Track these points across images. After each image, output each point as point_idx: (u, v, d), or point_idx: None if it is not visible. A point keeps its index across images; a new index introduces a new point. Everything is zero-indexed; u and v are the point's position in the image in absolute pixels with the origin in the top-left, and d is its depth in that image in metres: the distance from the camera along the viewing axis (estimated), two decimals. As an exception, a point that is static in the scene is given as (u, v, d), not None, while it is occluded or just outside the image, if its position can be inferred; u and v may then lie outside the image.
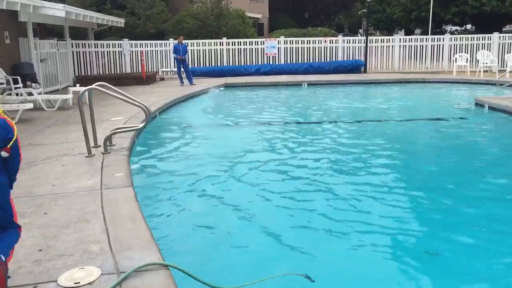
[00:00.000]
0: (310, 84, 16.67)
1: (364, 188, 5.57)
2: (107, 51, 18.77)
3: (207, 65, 19.71)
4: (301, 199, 5.26)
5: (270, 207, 5.05)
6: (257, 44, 20.01)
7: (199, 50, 19.69)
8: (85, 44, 18.35)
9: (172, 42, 18.76)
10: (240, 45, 19.94)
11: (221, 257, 3.92)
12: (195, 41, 19.90)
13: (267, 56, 19.91)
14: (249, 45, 19.98)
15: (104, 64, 18.78)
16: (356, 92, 15.20)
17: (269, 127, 9.66)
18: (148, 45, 19.26)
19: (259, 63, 19.86)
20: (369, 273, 3.64)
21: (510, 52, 18.27)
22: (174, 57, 16.93)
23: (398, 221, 4.61)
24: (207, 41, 20.00)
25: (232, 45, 19.88)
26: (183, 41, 16.79)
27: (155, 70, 19.10)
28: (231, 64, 19.78)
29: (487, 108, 10.71)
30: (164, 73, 19.16)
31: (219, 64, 19.74)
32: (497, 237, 4.28)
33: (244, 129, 9.45)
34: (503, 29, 28.87)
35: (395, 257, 3.93)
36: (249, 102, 13.49)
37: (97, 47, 18.63)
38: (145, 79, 16.79)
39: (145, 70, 17.62)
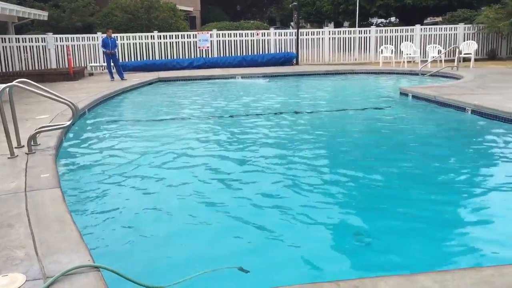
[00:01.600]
0: (244, 77, 16.74)
1: (294, 177, 5.68)
2: (30, 46, 17.85)
3: (139, 59, 19.26)
4: (231, 191, 5.29)
5: (201, 202, 5.02)
6: (190, 37, 19.80)
7: (130, 44, 19.19)
8: (5, 38, 17.33)
9: (100, 36, 18.14)
10: (172, 38, 19.64)
11: (153, 255, 3.87)
12: (124, 34, 19.37)
13: (200, 50, 19.77)
14: (181, 38, 19.74)
15: (27, 59, 17.83)
16: (289, 84, 15.46)
17: (201, 121, 9.61)
18: (75, 39, 18.52)
19: (192, 56, 19.68)
20: (300, 256, 3.74)
21: (430, 44, 19.30)
22: (103, 51, 16.37)
23: (329, 206, 4.76)
24: (137, 34, 19.52)
25: (164, 38, 19.54)
26: (112, 35, 16.26)
27: (83, 65, 18.40)
28: (163, 58, 19.45)
29: (411, 97, 11.28)
30: (93, 68, 18.50)
31: (151, 58, 19.35)
32: (422, 216, 4.53)
33: (176, 124, 9.33)
34: (424, 22, 30.43)
35: (327, 242, 4.06)
36: (182, 96, 13.34)
37: (19, 42, 17.67)
38: (73, 74, 16.13)
39: (72, 66, 16.91)
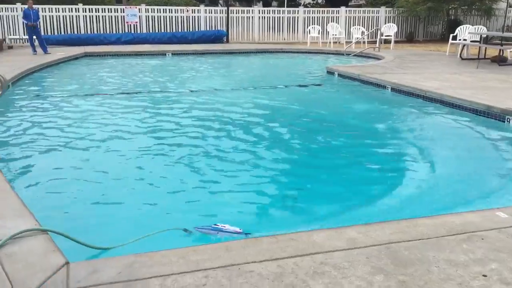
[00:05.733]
0: (175, 53, 16.62)
1: (229, 151, 5.95)
2: None
3: (63, 32, 18.44)
4: (168, 161, 5.49)
5: (137, 167, 5.19)
6: (117, 12, 19.22)
7: (52, 16, 18.29)
8: None
9: (20, 6, 17.12)
10: (99, 12, 18.96)
11: (99, 218, 3.98)
12: (47, 6, 18.40)
13: (128, 25, 19.27)
14: (108, 12, 19.11)
15: None
16: (220, 61, 15.59)
17: (131, 96, 9.56)
18: (-9, 9, 17.36)
19: (120, 31, 19.15)
20: (240, 217, 4.04)
21: (354, 25, 20.17)
22: (25, 23, 15.49)
23: (264, 175, 5.09)
24: (61, 6, 18.62)
25: (90, 11, 18.82)
26: (34, 6, 15.41)
27: (1, 37, 17.31)
28: (89, 32, 18.76)
29: (336, 75, 11.87)
30: (13, 40, 17.47)
31: (76, 32, 18.59)
32: (346, 180, 4.99)
33: (104, 99, 9.22)
34: (349, 4, 31.57)
35: (265, 203, 4.39)
36: (111, 72, 13.06)
37: None
38: (-10, 47, 15.19)
39: (-10, 37, 15.91)
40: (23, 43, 17.38)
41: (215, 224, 3.70)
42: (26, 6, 15.43)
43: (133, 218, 4.01)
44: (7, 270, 2.71)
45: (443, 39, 20.37)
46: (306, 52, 17.67)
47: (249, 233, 3.63)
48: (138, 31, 19.29)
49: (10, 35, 17.55)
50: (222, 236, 3.60)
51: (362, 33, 18.62)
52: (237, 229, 3.65)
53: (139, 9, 19.38)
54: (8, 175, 4.48)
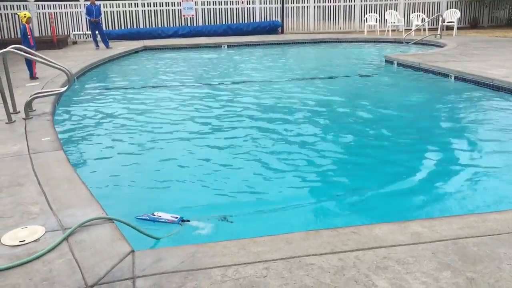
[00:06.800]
0: (230, 45, 16.74)
1: (289, 140, 5.93)
2: (12, 14, 17.45)
3: (123, 27, 19.02)
4: (228, 149, 5.56)
5: (197, 161, 5.27)
6: (174, 5, 19.57)
7: (113, 11, 18.90)
8: (-15, 6, 16.92)
9: (83, 3, 17.81)
10: (156, 6, 19.39)
11: (159, 208, 4.08)
12: (108, 2, 19.03)
13: (184, 18, 19.58)
14: (166, 6, 19.49)
15: (9, 27, 17.48)
16: (276, 52, 15.53)
17: (189, 88, 9.72)
18: (57, 6, 18.14)
19: (177, 24, 19.51)
20: (302, 210, 4.02)
21: (414, 12, 19.44)
22: (88, 19, 16.13)
23: (326, 168, 5.03)
24: (121, 2, 19.18)
25: (148, 6, 19.28)
26: (96, 2, 15.99)
27: (66, 33, 18.11)
28: (147, 26, 19.25)
29: (396, 64, 11.50)
30: (77, 36, 18.23)
31: (135, 26, 19.12)
32: (408, 172, 4.83)
33: (164, 91, 9.44)
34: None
35: (326, 197, 4.33)
36: (169, 64, 13.35)
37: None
38: (56, 43, 15.91)
39: (56, 33, 16.67)
40: (86, 38, 18.09)
41: (153, 214, 3.74)
42: (89, 3, 16.04)
43: (199, 209, 4.08)
44: (76, 257, 2.83)
45: (510, 24, 19.25)
46: (363, 41, 17.25)
47: (187, 220, 3.62)
48: (194, 24, 19.56)
49: (74, 31, 18.30)
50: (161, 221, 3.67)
51: (423, 20, 17.92)
52: (173, 217, 3.64)
53: (195, 1, 19.64)
54: (76, 165, 4.68)
